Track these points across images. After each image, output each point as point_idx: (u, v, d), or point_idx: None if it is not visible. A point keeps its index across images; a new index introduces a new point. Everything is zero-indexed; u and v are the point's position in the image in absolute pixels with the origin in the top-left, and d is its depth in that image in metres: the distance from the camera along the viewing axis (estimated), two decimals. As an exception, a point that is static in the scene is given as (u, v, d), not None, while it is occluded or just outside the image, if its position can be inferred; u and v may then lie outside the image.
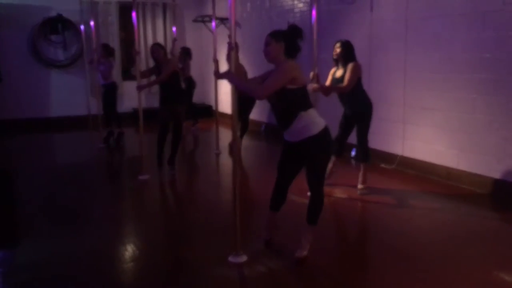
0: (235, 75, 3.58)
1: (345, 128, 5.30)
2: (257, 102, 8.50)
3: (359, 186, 5.27)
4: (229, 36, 3.55)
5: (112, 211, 4.97)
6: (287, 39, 3.43)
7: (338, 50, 5.06)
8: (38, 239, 4.20)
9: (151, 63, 7.85)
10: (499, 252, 3.74)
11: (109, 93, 8.23)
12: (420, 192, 5.30)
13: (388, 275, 3.39)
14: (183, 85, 8.78)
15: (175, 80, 6.10)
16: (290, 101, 3.39)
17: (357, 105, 5.15)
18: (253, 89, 3.49)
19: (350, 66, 4.99)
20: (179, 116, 6.12)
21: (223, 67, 7.20)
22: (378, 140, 6.52)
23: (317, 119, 3.44)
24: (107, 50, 8.26)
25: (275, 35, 3.45)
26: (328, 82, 5.17)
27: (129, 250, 3.87)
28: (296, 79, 3.35)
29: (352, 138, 5.36)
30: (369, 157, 5.36)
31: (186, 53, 9.39)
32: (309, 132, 3.39)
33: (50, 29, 10.20)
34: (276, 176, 3.75)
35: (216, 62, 6.83)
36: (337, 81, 5.10)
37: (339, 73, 5.10)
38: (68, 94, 10.40)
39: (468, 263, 3.52)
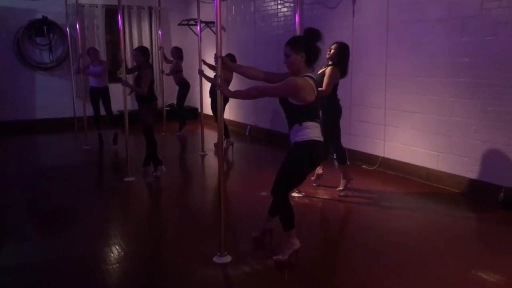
0: (227, 88, 3.64)
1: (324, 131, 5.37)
2: (238, 104, 8.60)
3: (339, 187, 5.40)
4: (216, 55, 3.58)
5: (97, 212, 5.00)
6: (307, 48, 3.39)
7: (332, 51, 5.13)
8: (21, 241, 4.21)
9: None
10: (477, 251, 3.86)
11: (106, 96, 8.35)
12: (401, 193, 5.43)
13: (368, 276, 3.47)
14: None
15: (152, 85, 6.26)
16: (290, 112, 3.49)
17: (328, 111, 5.21)
18: (249, 94, 3.53)
19: (328, 70, 5.06)
20: (143, 117, 6.22)
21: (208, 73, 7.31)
22: (360, 142, 6.65)
23: (310, 131, 3.43)
24: (99, 53, 8.46)
25: (294, 46, 3.38)
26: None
27: (114, 252, 3.91)
28: (300, 97, 3.35)
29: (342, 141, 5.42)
30: (344, 159, 5.43)
31: (178, 52, 9.38)
32: (298, 138, 3.45)
33: (36, 32, 10.17)
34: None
35: (201, 73, 7.03)
36: (318, 76, 5.13)
37: (323, 70, 5.16)
38: (54, 96, 10.37)
39: (447, 262, 3.62)
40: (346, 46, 5.16)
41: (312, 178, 5.65)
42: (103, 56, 10.32)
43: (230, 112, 9.80)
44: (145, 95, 6.15)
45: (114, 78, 10.23)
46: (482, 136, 5.06)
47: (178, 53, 9.27)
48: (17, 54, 10.11)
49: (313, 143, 3.44)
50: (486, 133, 5.01)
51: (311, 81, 3.40)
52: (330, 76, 5.02)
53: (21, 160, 7.75)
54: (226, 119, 8.09)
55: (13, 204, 5.32)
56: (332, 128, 5.28)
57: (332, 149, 5.46)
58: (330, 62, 5.14)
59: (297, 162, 3.50)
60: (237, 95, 3.85)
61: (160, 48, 9.41)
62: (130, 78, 6.38)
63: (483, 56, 4.97)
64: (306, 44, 3.39)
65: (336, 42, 5.18)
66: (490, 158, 5.00)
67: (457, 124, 5.30)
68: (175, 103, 9.84)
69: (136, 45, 10.91)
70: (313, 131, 3.45)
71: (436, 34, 5.45)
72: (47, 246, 4.10)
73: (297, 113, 3.45)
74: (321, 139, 3.51)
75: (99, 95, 8.34)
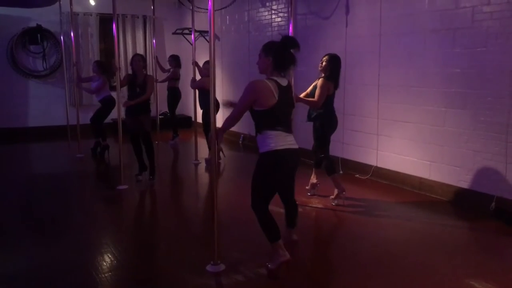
0: (221, 131, 3.61)
1: (314, 139, 5.37)
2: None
3: (332, 196, 5.40)
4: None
5: (89, 221, 4.99)
6: (276, 53, 3.39)
7: (324, 63, 5.11)
8: (12, 250, 4.19)
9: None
10: (469, 260, 3.88)
11: (104, 107, 8.27)
12: (393, 202, 5.45)
13: (360, 285, 3.48)
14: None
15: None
16: (253, 119, 3.49)
17: (321, 118, 5.20)
18: (231, 117, 3.53)
19: (320, 81, 5.07)
20: (143, 125, 6.22)
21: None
22: (353, 151, 6.68)
23: (272, 141, 3.38)
24: (101, 67, 8.29)
25: (265, 49, 3.46)
26: (308, 91, 5.25)
27: (107, 260, 3.90)
28: (259, 101, 3.35)
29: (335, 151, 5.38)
30: (332, 169, 5.32)
31: (176, 61, 9.38)
32: (261, 149, 3.45)
33: (29, 40, 10.18)
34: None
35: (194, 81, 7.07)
36: (312, 89, 5.21)
37: (316, 82, 5.19)
38: (47, 104, 10.37)
39: (439, 271, 3.64)
40: (337, 58, 5.14)
41: (307, 187, 5.66)
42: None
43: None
44: (147, 103, 6.19)
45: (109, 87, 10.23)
46: (473, 146, 5.10)
47: (175, 61, 9.28)
48: (10, 61, 10.10)
49: (274, 153, 3.38)
50: (477, 143, 5.06)
51: (272, 84, 3.36)
52: (322, 87, 5.03)
53: (13, 168, 7.72)
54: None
55: (5, 212, 5.28)
56: (320, 138, 5.28)
57: (318, 158, 5.43)
58: (322, 74, 5.14)
59: (261, 174, 3.46)
60: (226, 126, 3.65)
61: (155, 57, 9.44)
62: (124, 90, 6.37)
63: (474, 67, 5.03)
64: (277, 50, 3.41)
65: (328, 54, 5.17)
66: (482, 167, 5.04)
67: (449, 134, 5.35)
68: (168, 112, 9.84)
69: (130, 53, 10.93)
70: (275, 140, 3.38)
71: (428, 45, 5.51)
72: (39, 254, 4.07)
73: (258, 120, 3.45)
74: (287, 146, 3.40)
75: (102, 106, 8.32)
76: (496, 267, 3.71)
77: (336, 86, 5.18)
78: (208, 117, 7.36)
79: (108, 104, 8.24)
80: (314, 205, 5.32)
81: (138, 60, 6.18)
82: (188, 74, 9.45)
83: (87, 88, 8.49)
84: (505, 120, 4.78)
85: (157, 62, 9.49)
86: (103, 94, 8.22)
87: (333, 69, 5.09)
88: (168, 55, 9.90)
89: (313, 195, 5.62)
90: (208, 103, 6.59)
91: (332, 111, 5.26)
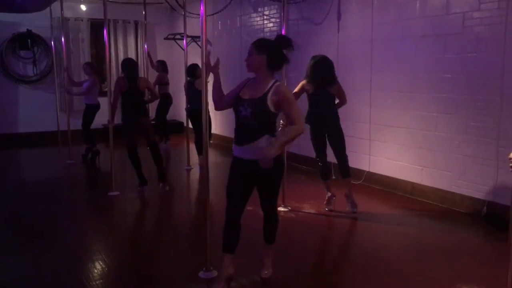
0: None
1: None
2: (225, 119, 8.58)
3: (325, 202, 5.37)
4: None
5: (80, 227, 4.94)
6: (271, 51, 3.20)
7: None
8: (1, 257, 4.14)
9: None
10: (461, 265, 3.88)
11: (90, 112, 8.24)
12: (386, 207, 5.45)
13: (353, 288, 3.48)
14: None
15: (126, 97, 6.01)
16: (271, 121, 3.25)
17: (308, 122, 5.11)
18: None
19: None
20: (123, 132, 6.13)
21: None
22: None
23: None
24: (93, 67, 8.33)
25: (258, 46, 3.21)
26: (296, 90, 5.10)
27: (98, 267, 3.86)
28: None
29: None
30: (325, 175, 5.29)
31: (162, 65, 9.39)
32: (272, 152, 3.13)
33: (20, 45, 10.11)
34: (227, 205, 3.31)
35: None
36: None
37: None
38: (37, 110, 10.27)
39: (431, 277, 3.64)
40: (312, 58, 5.04)
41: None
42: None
43: (217, 126, 9.80)
44: (123, 110, 6.11)
45: (100, 92, 10.17)
46: (465, 151, 5.12)
47: (162, 66, 9.29)
48: (0, 67, 10.01)
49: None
50: (469, 148, 5.08)
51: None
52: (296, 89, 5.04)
53: (3, 174, 7.64)
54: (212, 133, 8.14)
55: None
56: (312, 142, 5.26)
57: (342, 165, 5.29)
58: None
59: (282, 173, 3.52)
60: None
61: (147, 53, 9.44)
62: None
63: (465, 72, 5.06)
64: (271, 48, 3.22)
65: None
66: (473, 172, 5.06)
67: (441, 139, 5.37)
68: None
69: (121, 58, 10.88)
70: None
71: (419, 50, 5.54)
72: (29, 262, 4.02)
73: (274, 121, 3.31)
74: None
75: (86, 111, 8.29)
76: (487, 272, 3.71)
77: (316, 84, 4.97)
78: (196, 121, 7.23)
79: (92, 110, 8.23)
80: (307, 211, 5.31)
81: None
82: (179, 79, 9.44)
83: (78, 92, 8.45)
84: (496, 125, 4.81)
85: (148, 56, 9.48)
86: (92, 100, 8.19)
87: (310, 68, 4.99)
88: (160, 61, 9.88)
89: (332, 210, 5.36)
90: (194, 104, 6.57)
91: (313, 111, 5.08)
